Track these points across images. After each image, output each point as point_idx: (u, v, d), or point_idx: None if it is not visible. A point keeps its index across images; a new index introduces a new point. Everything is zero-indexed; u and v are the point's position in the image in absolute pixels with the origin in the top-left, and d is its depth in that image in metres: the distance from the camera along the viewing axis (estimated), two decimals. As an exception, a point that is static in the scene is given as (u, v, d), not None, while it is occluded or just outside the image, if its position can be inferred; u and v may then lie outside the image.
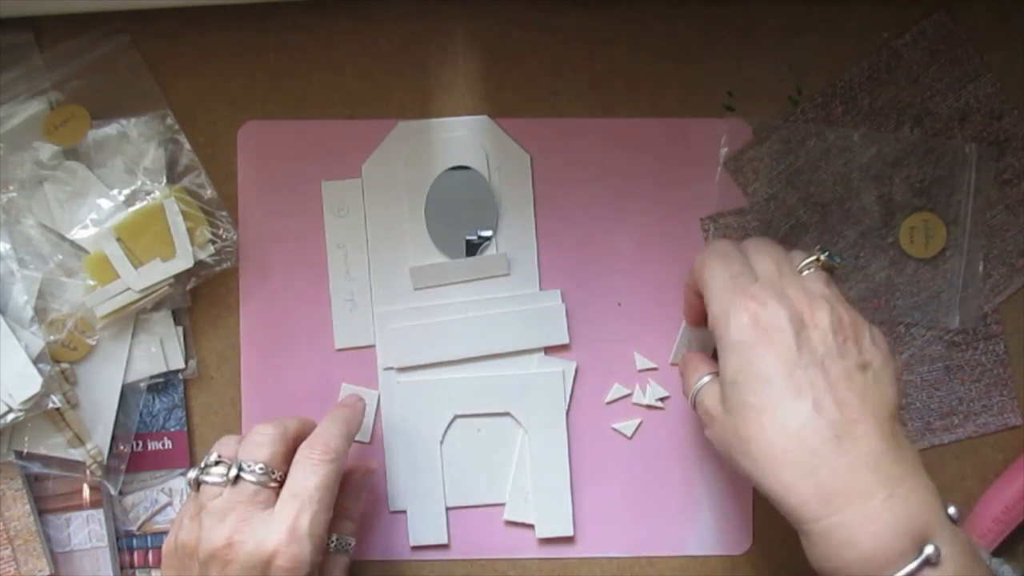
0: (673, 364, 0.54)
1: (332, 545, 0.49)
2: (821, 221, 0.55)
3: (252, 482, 0.45)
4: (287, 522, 0.44)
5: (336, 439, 0.47)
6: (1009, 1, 0.54)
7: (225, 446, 0.47)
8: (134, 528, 0.54)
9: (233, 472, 0.45)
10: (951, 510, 0.41)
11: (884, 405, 0.42)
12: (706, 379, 0.47)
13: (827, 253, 0.46)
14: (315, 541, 0.44)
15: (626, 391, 0.55)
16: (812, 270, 0.46)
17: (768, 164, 0.55)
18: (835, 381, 0.42)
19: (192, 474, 0.46)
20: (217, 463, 0.46)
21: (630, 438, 0.54)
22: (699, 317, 0.49)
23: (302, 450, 0.46)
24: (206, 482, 0.45)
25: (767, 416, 0.42)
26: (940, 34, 0.54)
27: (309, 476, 0.45)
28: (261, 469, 0.45)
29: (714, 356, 0.47)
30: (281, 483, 0.45)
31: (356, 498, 0.52)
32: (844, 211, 0.54)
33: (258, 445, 0.46)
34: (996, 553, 0.54)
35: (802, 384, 0.41)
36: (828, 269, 0.47)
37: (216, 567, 0.44)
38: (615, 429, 0.54)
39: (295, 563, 0.43)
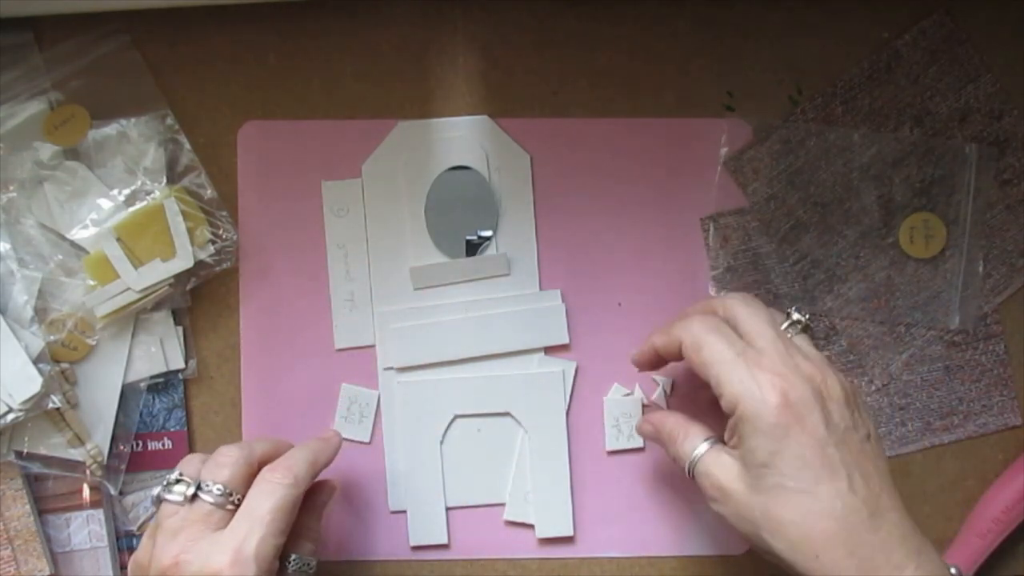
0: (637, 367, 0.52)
1: (291, 566, 0.47)
2: (821, 221, 0.55)
3: (209, 502, 0.44)
4: (234, 543, 0.43)
5: (300, 464, 0.46)
6: (1009, 1, 0.55)
7: (189, 464, 0.46)
8: (134, 528, 0.54)
9: (191, 491, 0.44)
10: (952, 570, 0.43)
11: (887, 470, 0.44)
12: (704, 447, 0.46)
13: (798, 313, 0.47)
14: (261, 564, 0.43)
15: (626, 391, 0.55)
16: (795, 332, 0.47)
17: (768, 164, 0.55)
18: (857, 455, 0.42)
19: (155, 491, 0.46)
20: (178, 481, 0.45)
21: (630, 438, 0.54)
22: (654, 367, 0.50)
23: (264, 472, 0.45)
24: (166, 500, 0.45)
25: (808, 499, 0.42)
26: (940, 34, 0.54)
27: (265, 498, 0.44)
28: (219, 490, 0.44)
29: (702, 407, 0.48)
30: (237, 507, 0.44)
31: (316, 517, 0.50)
32: (844, 211, 0.54)
33: (220, 466, 0.45)
34: (996, 553, 0.54)
35: (835, 464, 0.42)
36: (806, 329, 0.47)
37: None
38: (615, 429, 0.54)
39: None
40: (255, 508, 0.44)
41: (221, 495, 0.44)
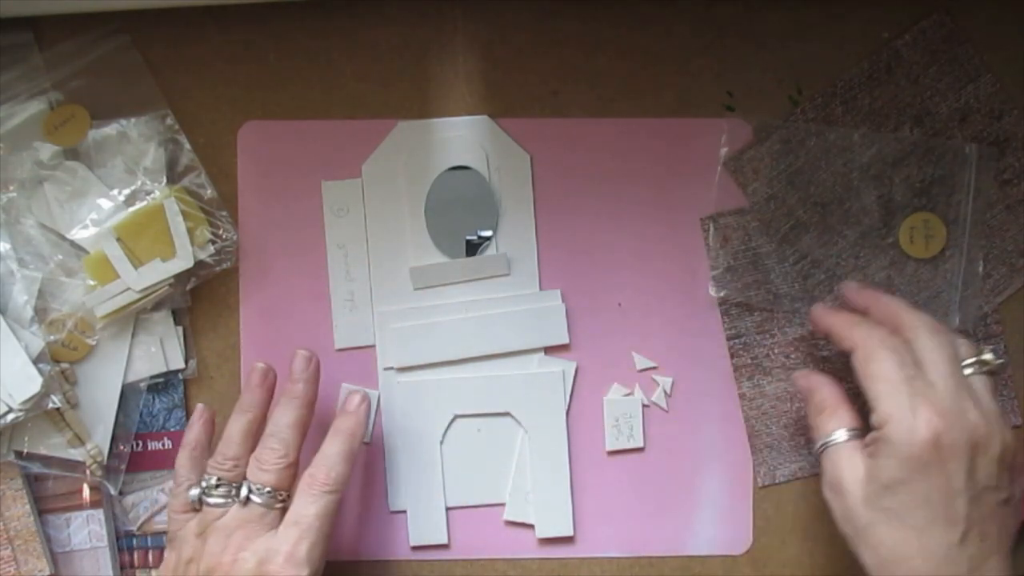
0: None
1: None
2: (821, 221, 0.54)
3: (259, 503, 0.47)
4: (286, 547, 0.46)
5: (337, 467, 0.48)
6: (1009, 1, 0.54)
7: (220, 464, 0.48)
8: (134, 528, 0.54)
9: (244, 493, 0.47)
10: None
11: (1011, 536, 0.43)
12: (843, 436, 0.46)
13: (992, 354, 0.46)
14: (313, 565, 0.46)
15: (626, 391, 0.55)
16: (976, 372, 0.45)
17: (768, 164, 0.55)
18: (986, 515, 0.42)
19: (194, 492, 0.48)
20: (219, 485, 0.48)
21: (630, 438, 0.54)
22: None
23: (305, 478, 0.48)
24: (209, 503, 0.48)
25: (913, 535, 0.42)
26: (940, 34, 0.54)
27: (309, 505, 0.47)
28: (268, 492, 0.47)
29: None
30: (285, 504, 0.48)
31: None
32: (844, 211, 0.54)
33: (265, 471, 0.48)
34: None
35: (958, 516, 0.42)
36: (993, 372, 0.46)
37: None
38: (615, 429, 0.54)
39: None
40: (303, 515, 0.47)
41: (270, 496, 0.47)
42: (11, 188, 0.52)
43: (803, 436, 0.55)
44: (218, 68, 0.54)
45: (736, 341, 0.55)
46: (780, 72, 0.55)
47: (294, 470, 0.49)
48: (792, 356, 0.55)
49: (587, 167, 0.55)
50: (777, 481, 0.55)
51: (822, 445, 0.47)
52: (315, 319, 0.55)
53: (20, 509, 0.52)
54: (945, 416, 0.42)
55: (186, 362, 0.54)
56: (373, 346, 0.55)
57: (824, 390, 0.49)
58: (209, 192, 0.53)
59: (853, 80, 0.55)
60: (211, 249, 0.53)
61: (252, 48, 0.55)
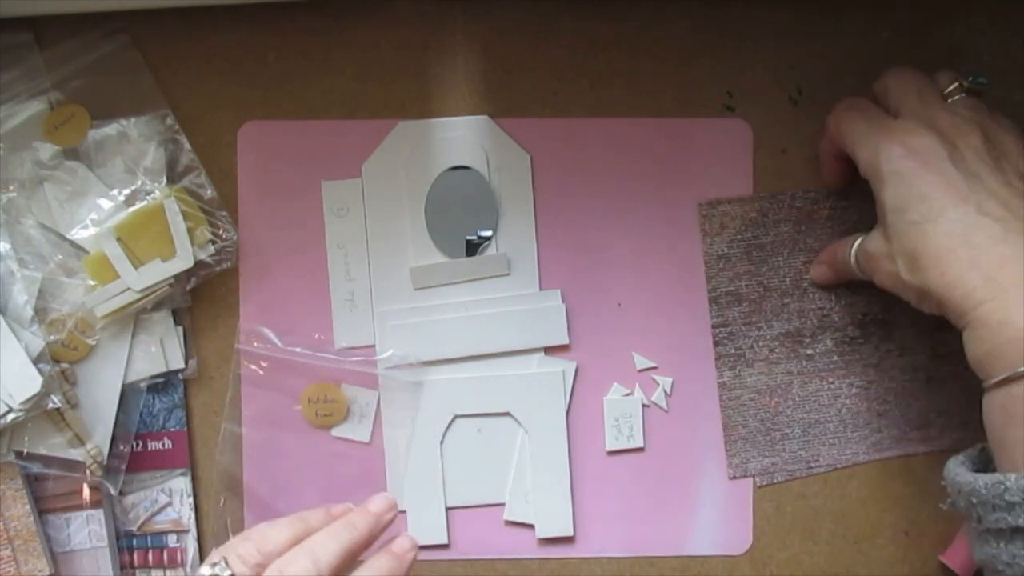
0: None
1: None
2: (756, 301, 0.54)
3: None
4: None
5: None
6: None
7: (248, 558, 0.42)
8: (134, 528, 0.54)
9: None
10: None
11: None
12: (860, 239, 0.49)
13: (971, 77, 0.47)
14: None
15: (626, 391, 0.55)
16: (959, 96, 0.47)
17: (737, 226, 0.54)
18: (996, 189, 0.43)
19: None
20: None
21: (630, 438, 0.54)
22: (842, 179, 0.52)
23: None
24: None
25: (930, 226, 0.43)
26: None
27: None
28: None
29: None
30: None
31: None
32: (782, 305, 0.54)
33: None
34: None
35: (962, 193, 0.43)
36: (974, 92, 0.47)
37: None
38: (615, 429, 0.54)
39: None
40: None
41: None
42: (11, 188, 0.52)
43: (778, 432, 0.54)
44: (218, 68, 0.54)
45: (721, 330, 0.55)
46: (780, 72, 0.55)
47: None
48: (776, 351, 0.55)
49: (587, 167, 0.55)
50: (750, 474, 0.55)
51: (854, 255, 0.49)
52: (315, 319, 0.55)
53: (20, 509, 0.52)
54: (907, 129, 0.45)
55: (186, 362, 0.54)
56: (373, 346, 0.55)
57: (835, 244, 0.52)
58: (209, 192, 0.53)
59: (851, 192, 0.54)
60: (211, 249, 0.53)
61: (252, 48, 0.55)
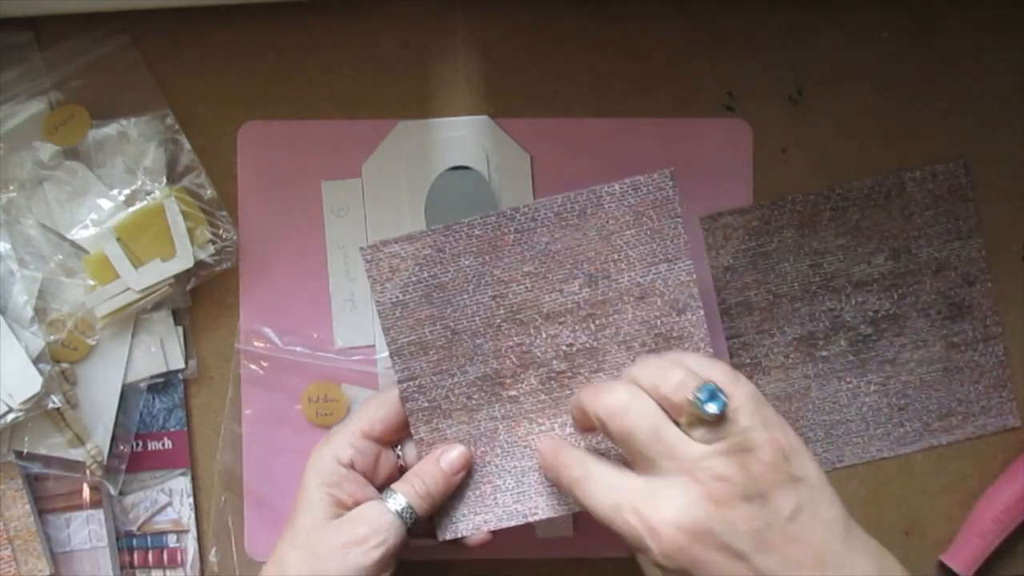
0: None
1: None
2: (768, 309, 0.55)
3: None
4: None
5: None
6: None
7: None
8: (134, 528, 0.54)
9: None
10: None
11: (835, 517, 0.42)
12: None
13: (704, 399, 0.39)
14: None
15: (626, 391, 0.55)
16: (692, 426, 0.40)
17: (741, 236, 0.55)
18: (783, 546, 0.40)
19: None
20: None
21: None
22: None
23: None
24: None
25: None
26: (949, 183, 0.54)
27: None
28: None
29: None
30: None
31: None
32: (792, 309, 0.55)
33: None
34: (996, 553, 0.54)
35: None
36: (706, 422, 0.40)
37: None
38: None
39: None
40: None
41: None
42: (11, 188, 0.52)
43: (800, 436, 0.54)
44: (218, 68, 0.55)
45: (735, 340, 0.55)
46: (780, 72, 0.55)
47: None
48: (792, 356, 0.55)
49: (587, 167, 0.55)
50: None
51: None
52: (315, 319, 0.55)
53: (20, 509, 0.52)
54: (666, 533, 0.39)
55: (186, 362, 0.54)
56: (373, 346, 0.55)
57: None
58: (209, 192, 0.53)
59: (851, 191, 0.54)
60: (211, 249, 0.53)
61: (252, 48, 0.55)
